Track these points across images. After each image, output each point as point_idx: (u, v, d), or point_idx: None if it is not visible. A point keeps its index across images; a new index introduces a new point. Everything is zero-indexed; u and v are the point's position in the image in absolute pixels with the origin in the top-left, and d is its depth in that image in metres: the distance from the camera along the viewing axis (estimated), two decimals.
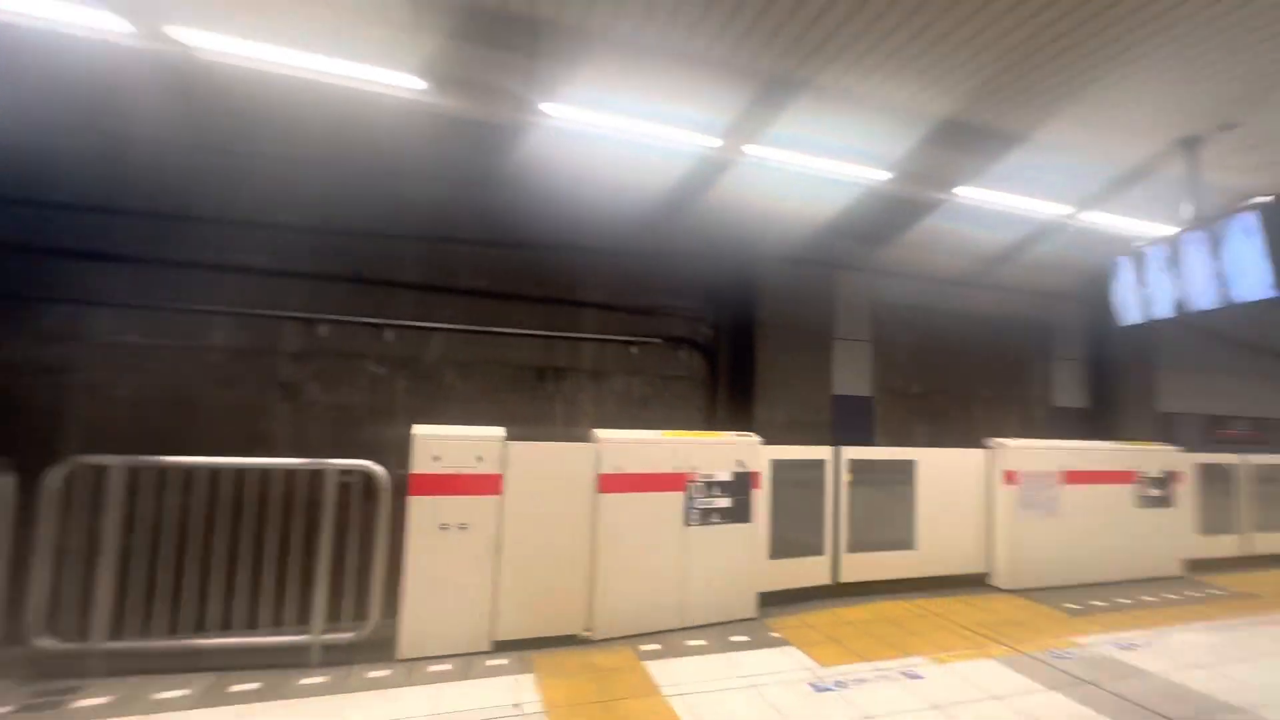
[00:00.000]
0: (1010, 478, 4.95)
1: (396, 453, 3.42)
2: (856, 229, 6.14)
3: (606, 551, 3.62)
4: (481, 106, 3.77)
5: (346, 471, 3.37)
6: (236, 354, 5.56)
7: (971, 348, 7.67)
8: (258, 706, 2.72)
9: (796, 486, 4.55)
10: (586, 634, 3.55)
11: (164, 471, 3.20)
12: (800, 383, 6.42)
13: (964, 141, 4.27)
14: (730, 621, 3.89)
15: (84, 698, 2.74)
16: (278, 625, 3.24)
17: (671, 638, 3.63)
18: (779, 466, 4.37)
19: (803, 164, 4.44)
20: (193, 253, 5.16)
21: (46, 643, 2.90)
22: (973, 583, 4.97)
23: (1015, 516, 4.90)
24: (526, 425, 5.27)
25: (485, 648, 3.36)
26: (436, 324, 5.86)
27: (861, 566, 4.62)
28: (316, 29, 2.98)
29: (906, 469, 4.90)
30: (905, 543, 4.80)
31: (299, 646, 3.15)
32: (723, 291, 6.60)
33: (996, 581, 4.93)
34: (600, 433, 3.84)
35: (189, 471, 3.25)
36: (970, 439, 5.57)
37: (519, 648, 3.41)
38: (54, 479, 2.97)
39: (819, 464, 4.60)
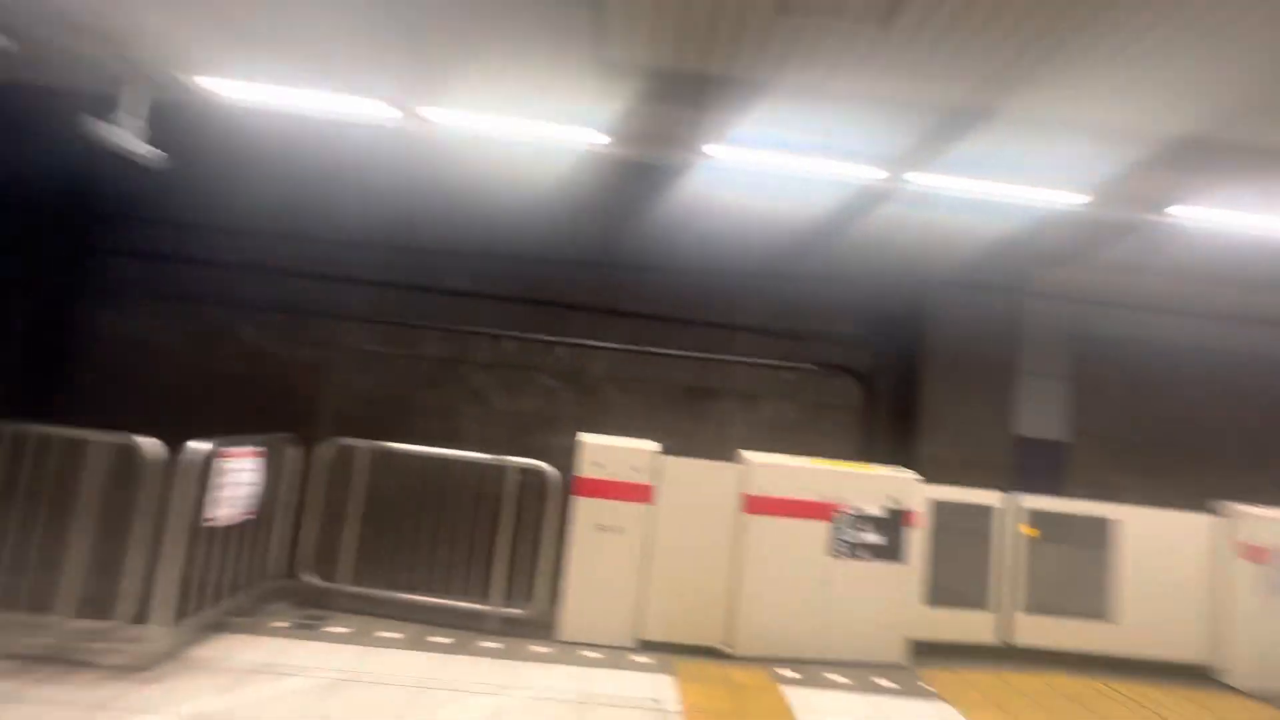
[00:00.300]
0: (1257, 554, 4.10)
1: (561, 457, 3.89)
2: (1048, 253, 5.55)
3: (749, 571, 3.73)
4: (651, 151, 4.18)
5: (523, 469, 3.91)
6: (440, 362, 6.59)
7: (1209, 392, 6.42)
8: (449, 658, 3.29)
9: (962, 532, 4.23)
10: (726, 648, 3.69)
11: (391, 454, 4.00)
12: (973, 420, 5.92)
13: (1186, 159, 3.72)
14: (875, 664, 3.75)
15: (332, 625, 3.53)
16: (465, 593, 3.86)
17: (810, 668, 3.61)
18: (942, 509, 4.12)
19: (978, 189, 4.19)
20: (413, 278, 6.27)
21: (311, 579, 3.79)
22: (1188, 673, 4.17)
23: (1266, 603, 4.04)
24: (678, 442, 5.58)
25: (631, 644, 3.65)
26: (602, 343, 6.42)
27: (1038, 630, 4.14)
28: (523, 101, 3.60)
29: (1105, 527, 4.29)
30: (1097, 612, 4.20)
31: (480, 614, 3.72)
32: (885, 318, 6.35)
33: (1233, 680, 4.07)
34: (748, 454, 3.97)
35: (408, 456, 4.02)
36: (1195, 501, 4.70)
37: (662, 650, 3.65)
38: (325, 453, 3.88)
39: (987, 510, 4.24)
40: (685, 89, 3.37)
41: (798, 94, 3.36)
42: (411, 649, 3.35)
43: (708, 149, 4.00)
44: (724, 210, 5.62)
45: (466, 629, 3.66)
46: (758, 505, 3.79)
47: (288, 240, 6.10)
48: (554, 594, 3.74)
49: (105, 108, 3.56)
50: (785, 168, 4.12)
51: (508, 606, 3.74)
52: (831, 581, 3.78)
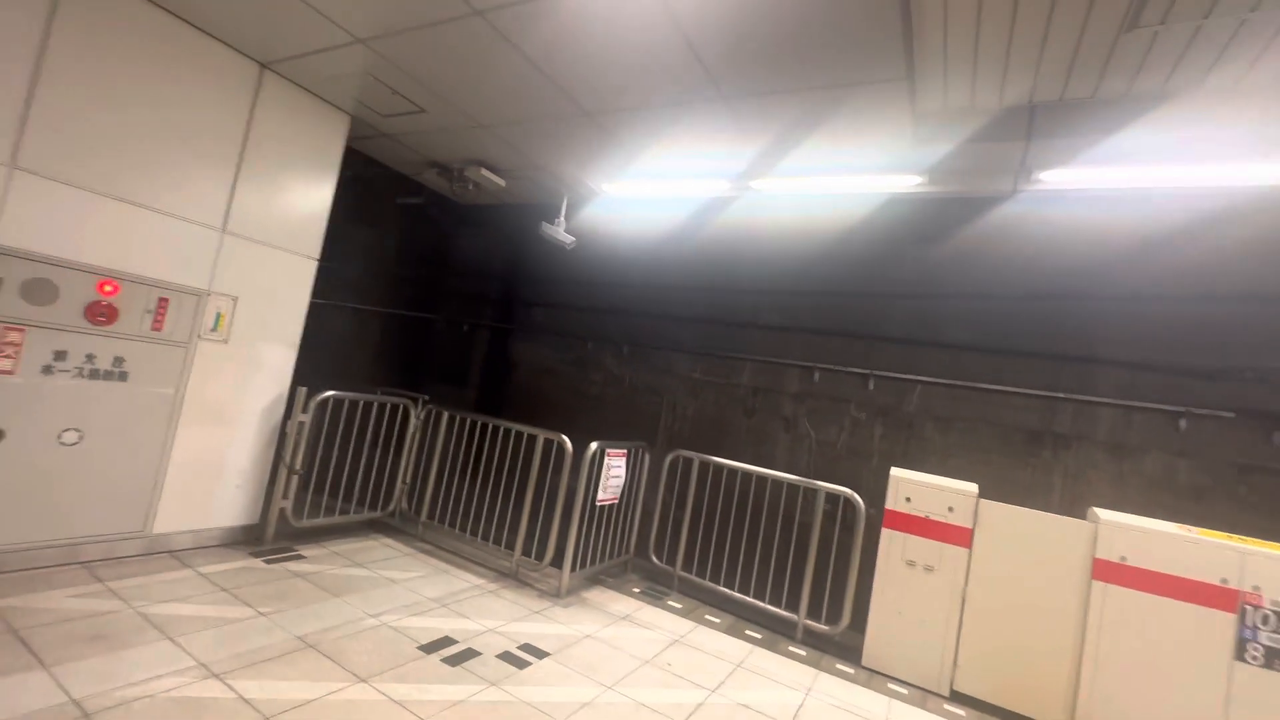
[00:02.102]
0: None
1: (867, 489, 4.03)
2: None
3: (1101, 650, 3.26)
4: (974, 185, 4.09)
5: (832, 496, 4.20)
6: (755, 391, 7.27)
7: None
8: (761, 651, 3.79)
9: None
10: None
11: (718, 467, 4.76)
12: None
13: None
14: None
15: (670, 600, 4.42)
16: (775, 599, 4.33)
17: None
18: None
19: None
20: (732, 315, 7.13)
21: (654, 560, 4.79)
22: None
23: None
24: (1009, 490, 5.04)
25: (942, 691, 3.57)
26: (918, 376, 6.23)
27: None
28: (841, 163, 4.01)
29: None
30: None
31: (788, 621, 4.13)
32: None
33: None
34: (1101, 512, 3.49)
35: (731, 470, 4.72)
36: None
37: (977, 707, 3.47)
38: (669, 460, 4.89)
39: None
40: (1009, 123, 3.29)
41: (1149, 105, 2.94)
42: (729, 634, 3.96)
43: (1044, 175, 3.74)
44: (1071, 232, 4.99)
45: (775, 631, 4.12)
46: (1114, 574, 3.30)
47: (634, 288, 7.66)
48: (859, 617, 3.91)
49: (550, 214, 5.32)
50: (1144, 180, 3.54)
51: (813, 620, 4.07)
52: (1240, 696, 3.01)
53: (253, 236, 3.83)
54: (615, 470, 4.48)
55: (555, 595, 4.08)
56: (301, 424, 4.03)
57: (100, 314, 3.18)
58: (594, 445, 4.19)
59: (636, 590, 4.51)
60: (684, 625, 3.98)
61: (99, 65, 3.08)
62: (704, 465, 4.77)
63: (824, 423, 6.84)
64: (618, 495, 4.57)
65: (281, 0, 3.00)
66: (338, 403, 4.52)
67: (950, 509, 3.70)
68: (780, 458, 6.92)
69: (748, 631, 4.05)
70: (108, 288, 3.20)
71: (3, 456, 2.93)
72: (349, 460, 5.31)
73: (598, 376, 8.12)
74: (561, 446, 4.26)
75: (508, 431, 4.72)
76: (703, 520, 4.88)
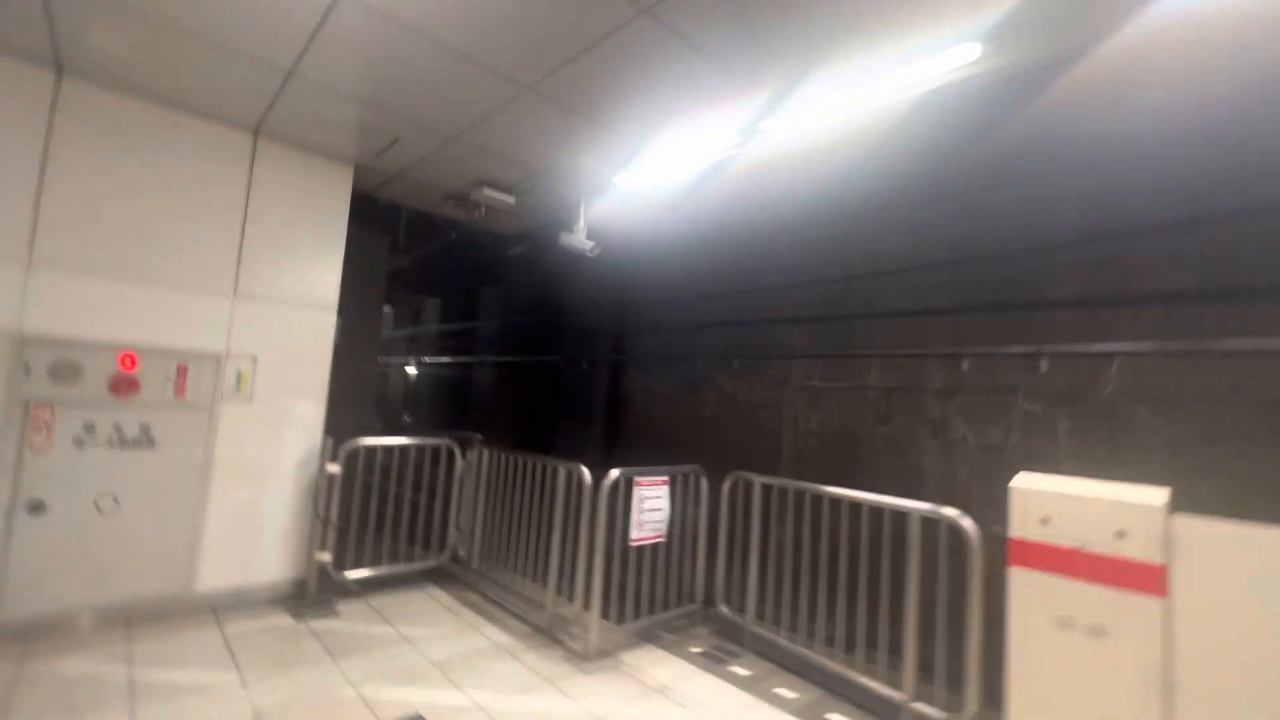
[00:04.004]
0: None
1: None
2: None
3: None
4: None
5: (930, 518, 2.95)
6: (888, 392, 5.89)
7: None
8: None
9: None
10: None
11: (797, 492, 3.72)
12: None
13: None
14: None
15: (737, 664, 3.45)
16: (867, 659, 3.12)
17: None
18: None
19: None
20: (848, 306, 5.91)
21: (723, 609, 3.85)
22: None
23: None
24: (1266, 494, 3.18)
25: None
26: (1114, 346, 4.46)
27: None
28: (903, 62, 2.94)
29: None
30: None
31: (889, 703, 2.92)
32: None
33: None
34: None
35: (799, 493, 3.65)
36: None
37: None
38: (728, 485, 3.97)
39: None
40: None
41: None
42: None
43: None
44: None
45: (871, 712, 2.93)
46: None
47: (732, 296, 6.82)
48: (992, 696, 2.59)
49: (568, 224, 4.91)
50: None
51: (924, 703, 2.81)
52: None
53: (265, 296, 3.96)
54: (652, 503, 3.71)
55: (583, 657, 3.40)
56: (332, 475, 3.99)
57: (123, 386, 3.44)
58: (614, 473, 3.50)
59: (697, 650, 3.62)
60: (739, 703, 3.01)
61: (98, 161, 3.40)
62: (766, 489, 3.77)
63: (983, 422, 5.20)
64: (661, 532, 3.78)
65: (217, 56, 3.04)
66: (387, 450, 4.50)
67: (1120, 533, 2.28)
68: (930, 469, 5.41)
69: (830, 718, 2.93)
70: (128, 361, 3.46)
71: (46, 527, 3.22)
72: (405, 508, 5.27)
73: (710, 396, 7.35)
74: (581, 479, 3.64)
75: (539, 465, 4.23)
76: (776, 556, 3.82)
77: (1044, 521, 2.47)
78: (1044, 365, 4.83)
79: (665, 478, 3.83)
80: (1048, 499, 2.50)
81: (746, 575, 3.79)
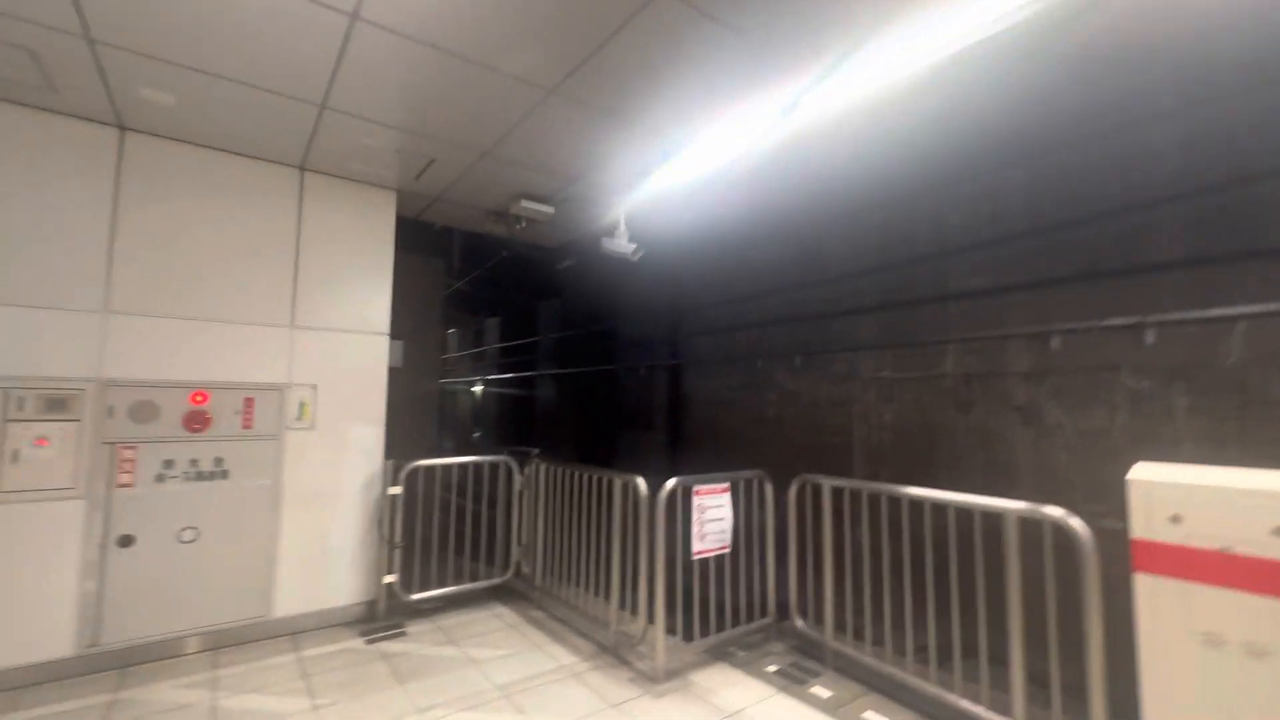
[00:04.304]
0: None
1: None
2: None
3: None
4: None
5: (1031, 519, 2.60)
6: (967, 379, 5.43)
7: None
8: None
9: None
10: None
11: (858, 492, 3.42)
12: None
13: None
14: None
15: (818, 684, 3.18)
16: (966, 677, 2.77)
17: None
18: None
19: None
20: (916, 289, 5.50)
21: (799, 624, 3.58)
22: None
23: None
24: None
25: None
26: (1235, 308, 3.89)
27: None
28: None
29: None
30: None
31: None
32: None
33: None
34: None
35: (874, 495, 3.34)
36: None
37: None
38: (795, 489, 3.71)
39: None
40: None
41: None
42: None
43: None
44: None
45: None
46: None
47: (790, 290, 6.51)
48: (1112, 707, 2.21)
49: (609, 230, 4.80)
50: None
51: None
52: None
53: (321, 325, 4.06)
54: (714, 512, 3.51)
55: (651, 679, 3.23)
56: (394, 496, 4.03)
57: (196, 422, 3.59)
58: (671, 483, 3.33)
59: (773, 668, 3.37)
60: None
61: (161, 208, 3.59)
62: (837, 491, 3.48)
63: (1081, 404, 4.66)
64: (726, 543, 3.56)
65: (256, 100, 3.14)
66: (446, 469, 4.51)
67: (1277, 530, 1.89)
68: (1022, 461, 4.92)
69: None
70: (199, 398, 3.62)
71: (135, 558, 3.40)
72: (468, 526, 5.28)
73: (772, 397, 7.06)
74: (636, 490, 3.48)
75: (595, 478, 4.11)
76: (854, 565, 3.52)
77: (1175, 520, 2.09)
78: (1150, 337, 4.28)
79: (725, 485, 3.61)
80: (1177, 492, 2.12)
81: (822, 586, 3.51)
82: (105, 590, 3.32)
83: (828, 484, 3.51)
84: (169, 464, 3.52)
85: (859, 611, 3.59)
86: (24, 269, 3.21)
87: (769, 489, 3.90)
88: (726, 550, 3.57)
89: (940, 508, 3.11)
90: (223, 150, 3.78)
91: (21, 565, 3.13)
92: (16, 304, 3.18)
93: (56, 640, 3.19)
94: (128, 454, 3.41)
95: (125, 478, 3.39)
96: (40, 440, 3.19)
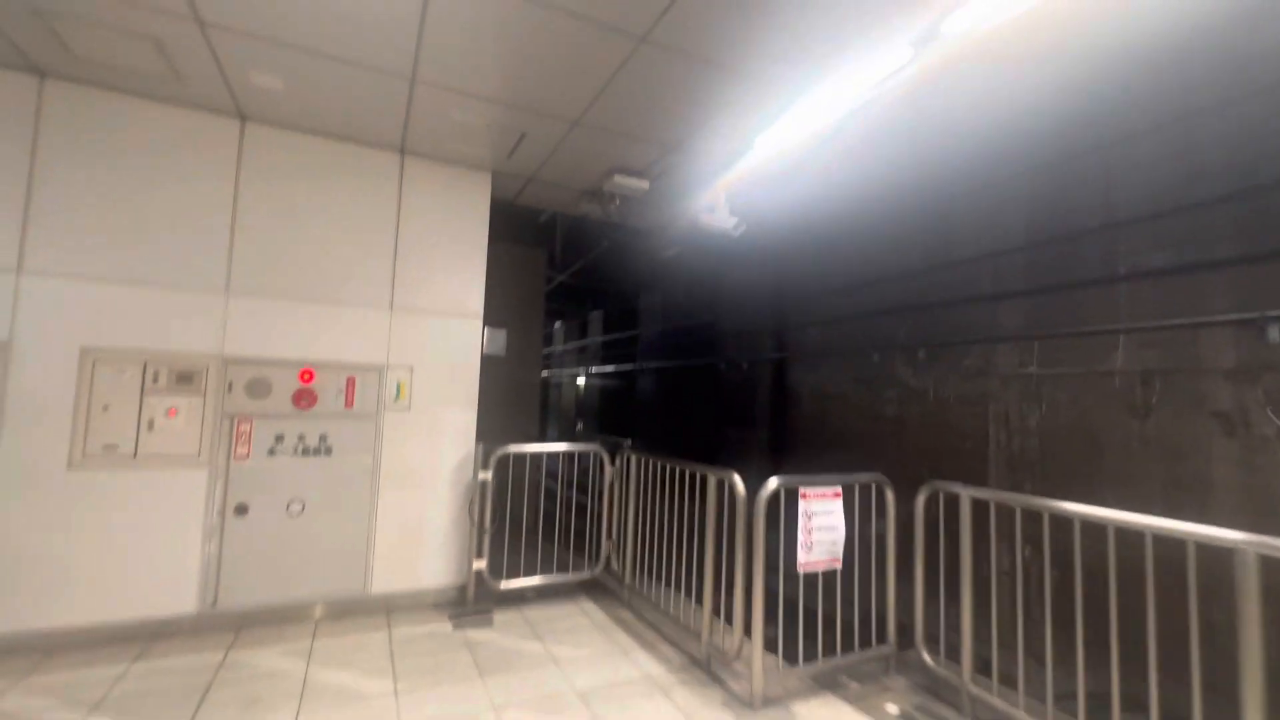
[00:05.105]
0: None
1: None
2: None
3: None
4: None
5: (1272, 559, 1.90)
6: (1143, 376, 4.50)
7: None
8: None
9: None
10: None
11: (1003, 506, 2.80)
12: None
13: None
14: None
15: None
16: None
17: None
18: None
19: None
20: (1072, 271, 4.64)
21: (926, 657, 3.02)
22: None
23: None
24: None
25: None
26: None
27: None
28: None
29: None
30: None
31: None
32: None
33: None
34: None
35: (1034, 514, 2.71)
36: None
37: None
38: (923, 498, 3.14)
39: None
40: None
41: None
42: None
43: None
44: None
45: None
46: None
47: (915, 276, 5.79)
48: None
49: (709, 206, 4.43)
50: None
51: None
52: None
53: (418, 308, 4.08)
54: (824, 520, 3.05)
55: (746, 703, 2.85)
56: (484, 481, 3.96)
57: (304, 399, 3.72)
58: (773, 483, 2.92)
59: (894, 710, 2.86)
60: None
61: (275, 194, 3.74)
62: (979, 505, 2.88)
63: None
64: (837, 555, 3.09)
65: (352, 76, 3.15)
66: (535, 457, 4.38)
67: None
68: (1226, 481, 3.95)
69: None
70: (306, 375, 3.74)
71: (249, 527, 3.57)
72: (559, 515, 5.14)
73: (891, 394, 6.37)
74: (733, 488, 3.11)
75: (688, 473, 3.77)
76: (998, 595, 2.89)
77: None
78: None
79: (837, 490, 3.13)
80: None
81: (959, 615, 2.93)
82: (224, 554, 3.51)
83: (967, 494, 2.92)
84: (279, 438, 3.67)
85: (1007, 649, 2.96)
86: (159, 253, 3.47)
87: (889, 495, 3.35)
88: (838, 564, 3.10)
89: (1132, 535, 2.43)
90: (333, 138, 3.89)
91: (157, 526, 3.38)
92: (151, 284, 3.44)
93: (183, 598, 3.42)
94: (244, 427, 3.59)
95: (242, 449, 3.58)
96: (171, 411, 3.43)
